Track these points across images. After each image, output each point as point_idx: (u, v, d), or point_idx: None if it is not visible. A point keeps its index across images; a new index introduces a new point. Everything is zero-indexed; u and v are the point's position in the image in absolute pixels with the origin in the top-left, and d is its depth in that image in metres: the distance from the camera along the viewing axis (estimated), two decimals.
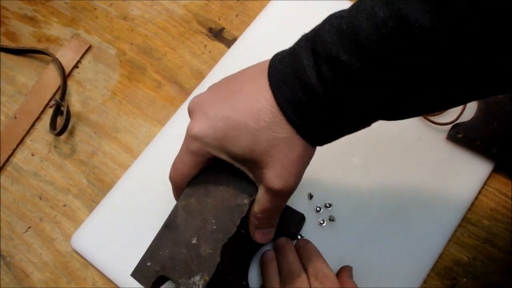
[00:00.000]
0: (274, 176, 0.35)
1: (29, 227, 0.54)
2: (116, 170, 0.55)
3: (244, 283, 0.45)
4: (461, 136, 0.51)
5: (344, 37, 0.30)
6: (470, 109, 0.52)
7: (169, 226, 0.38)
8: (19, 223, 0.54)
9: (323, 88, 0.31)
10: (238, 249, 0.42)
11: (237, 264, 0.45)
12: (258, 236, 0.40)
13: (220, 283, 0.43)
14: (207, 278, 0.35)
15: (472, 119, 0.51)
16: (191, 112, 0.38)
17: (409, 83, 0.30)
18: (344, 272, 0.45)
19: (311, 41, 0.32)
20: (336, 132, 0.35)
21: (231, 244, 0.37)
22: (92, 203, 0.54)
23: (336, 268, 0.47)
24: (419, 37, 0.27)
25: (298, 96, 0.32)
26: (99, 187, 0.55)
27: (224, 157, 0.36)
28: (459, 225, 0.49)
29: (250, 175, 0.37)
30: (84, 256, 0.51)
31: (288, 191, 0.36)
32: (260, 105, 0.33)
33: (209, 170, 0.39)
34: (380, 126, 0.53)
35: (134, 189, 0.53)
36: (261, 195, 0.37)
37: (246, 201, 0.37)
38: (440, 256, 0.48)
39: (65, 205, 0.55)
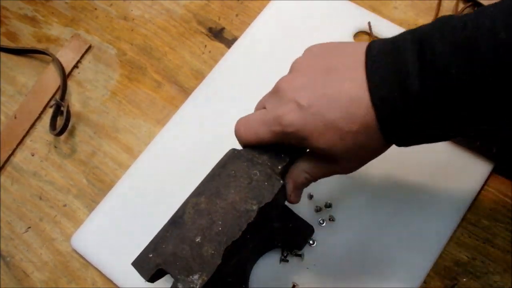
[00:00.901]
0: (343, 165, 0.37)
1: (29, 227, 0.54)
2: (116, 170, 0.55)
3: (244, 286, 0.45)
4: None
5: (458, 52, 0.29)
6: None
7: (176, 221, 0.38)
8: (19, 223, 0.54)
9: (424, 98, 0.31)
10: (242, 254, 0.42)
11: (239, 267, 0.45)
12: (294, 197, 0.41)
13: (220, 285, 0.43)
14: (205, 279, 0.35)
15: None
16: (281, 91, 0.37)
17: None
18: None
19: (418, 43, 0.31)
20: (417, 140, 0.35)
21: (234, 248, 0.37)
22: (92, 203, 0.54)
23: (335, 270, 0.47)
24: None
25: (396, 101, 0.32)
26: (99, 187, 0.55)
27: (300, 145, 0.37)
28: (459, 225, 0.49)
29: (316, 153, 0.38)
30: (84, 256, 0.51)
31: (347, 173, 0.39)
32: (355, 108, 0.33)
33: (226, 169, 0.39)
34: None
35: (134, 189, 0.53)
36: (319, 163, 0.38)
37: (255, 207, 0.37)
38: (440, 256, 0.48)
39: (65, 205, 0.55)
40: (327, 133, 0.34)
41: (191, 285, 0.35)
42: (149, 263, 0.37)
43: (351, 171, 0.39)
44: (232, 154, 0.40)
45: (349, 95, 0.34)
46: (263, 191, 0.37)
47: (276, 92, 0.38)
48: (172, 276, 0.36)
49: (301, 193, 0.42)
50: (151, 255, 0.37)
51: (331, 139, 0.34)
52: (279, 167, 0.39)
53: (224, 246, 0.36)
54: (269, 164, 0.39)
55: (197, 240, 0.37)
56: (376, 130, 0.34)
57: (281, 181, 0.38)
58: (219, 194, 0.38)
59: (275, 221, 0.46)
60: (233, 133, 0.54)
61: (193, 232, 0.37)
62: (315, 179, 0.40)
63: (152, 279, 0.37)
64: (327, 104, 0.34)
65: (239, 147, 0.41)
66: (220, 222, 0.37)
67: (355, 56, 0.35)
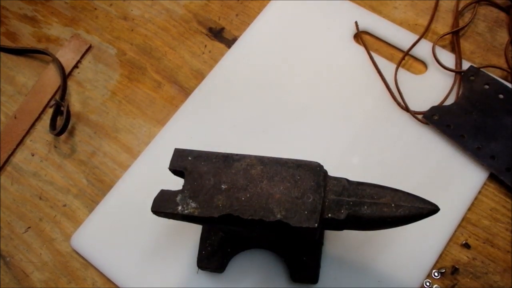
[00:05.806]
0: None
1: (29, 227, 0.54)
2: (116, 170, 0.55)
3: (229, 250, 0.47)
4: (436, 118, 0.51)
5: None
6: (452, 95, 0.53)
7: (228, 159, 0.39)
8: (19, 223, 0.54)
9: None
10: (242, 230, 0.43)
11: (233, 235, 0.46)
12: None
13: (208, 229, 0.47)
14: (196, 214, 0.37)
15: (452, 104, 0.52)
16: None
17: None
18: None
19: None
20: None
21: (236, 221, 0.37)
22: (92, 203, 0.54)
23: (335, 270, 0.47)
24: None
25: None
26: (99, 187, 0.55)
27: None
28: (459, 225, 0.49)
29: None
30: (84, 256, 0.51)
31: None
32: None
33: (297, 169, 0.38)
34: (380, 127, 0.53)
35: (134, 189, 0.53)
36: None
37: (277, 216, 0.36)
38: (440, 256, 0.48)
39: (65, 205, 0.55)
40: None
41: (184, 205, 0.37)
42: (182, 161, 0.40)
43: None
44: (314, 167, 0.38)
45: None
46: (297, 214, 0.36)
47: None
48: (183, 186, 0.38)
49: None
50: (190, 158, 0.40)
51: None
52: (329, 215, 0.37)
53: (229, 211, 0.37)
54: (327, 207, 0.37)
55: (222, 186, 0.38)
56: None
57: (316, 225, 0.36)
58: (270, 178, 0.38)
59: (294, 241, 0.46)
60: (233, 132, 0.54)
61: (227, 179, 0.38)
62: None
63: (174, 171, 0.40)
64: None
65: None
66: (248, 195, 0.37)
67: None
